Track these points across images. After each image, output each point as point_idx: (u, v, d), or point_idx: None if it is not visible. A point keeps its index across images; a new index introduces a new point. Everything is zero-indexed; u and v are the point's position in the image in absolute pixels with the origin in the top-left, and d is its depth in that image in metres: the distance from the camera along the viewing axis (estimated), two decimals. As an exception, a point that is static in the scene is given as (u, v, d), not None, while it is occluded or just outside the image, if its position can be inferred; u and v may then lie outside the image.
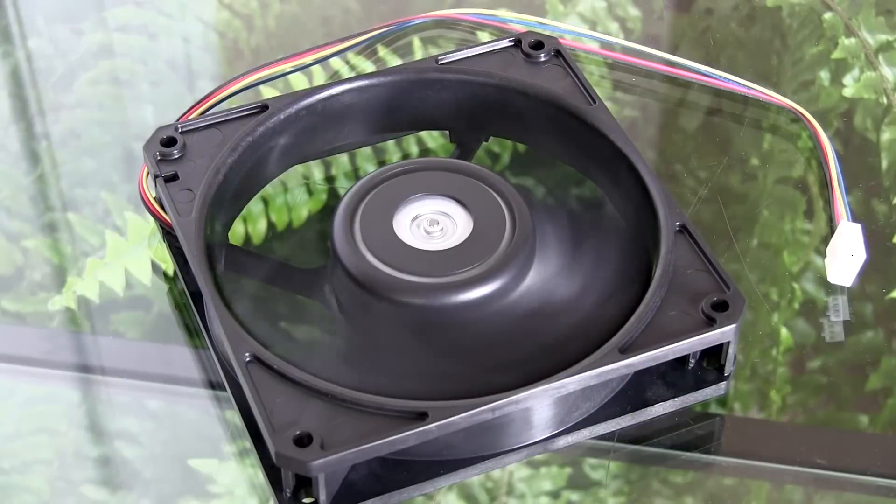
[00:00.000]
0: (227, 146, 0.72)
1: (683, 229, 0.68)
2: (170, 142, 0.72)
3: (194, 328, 0.71)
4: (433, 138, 0.80)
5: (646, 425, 0.67)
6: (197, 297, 0.70)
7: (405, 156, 0.79)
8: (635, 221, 0.70)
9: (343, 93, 0.75)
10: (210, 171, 0.71)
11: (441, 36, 0.85)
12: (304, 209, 0.76)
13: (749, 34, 0.88)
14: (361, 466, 0.64)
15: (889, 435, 0.69)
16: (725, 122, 0.81)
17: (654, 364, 0.64)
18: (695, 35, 0.88)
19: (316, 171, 0.78)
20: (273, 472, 0.63)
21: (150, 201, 0.73)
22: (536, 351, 0.66)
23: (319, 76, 0.83)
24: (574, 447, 0.67)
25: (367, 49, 0.84)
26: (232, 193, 0.72)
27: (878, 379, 0.71)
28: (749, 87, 0.81)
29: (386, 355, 0.66)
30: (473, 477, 0.66)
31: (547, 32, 0.80)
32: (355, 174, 0.78)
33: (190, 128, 0.73)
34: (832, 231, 0.74)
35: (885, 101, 0.83)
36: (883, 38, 0.86)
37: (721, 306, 0.65)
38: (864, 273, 0.73)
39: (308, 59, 0.82)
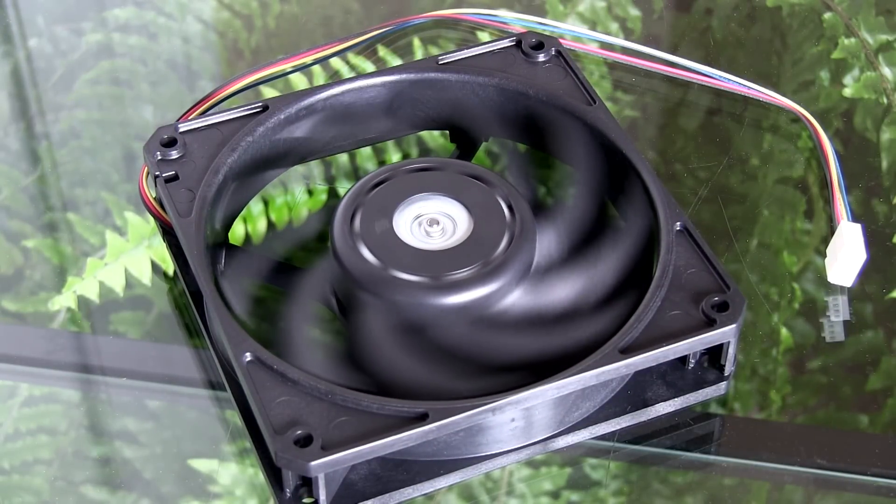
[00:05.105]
0: (227, 146, 0.72)
1: (683, 229, 0.68)
2: (170, 142, 0.72)
3: (194, 328, 0.71)
4: (433, 138, 0.80)
5: (646, 425, 0.67)
6: (197, 297, 0.70)
7: (405, 156, 0.79)
8: (635, 221, 0.70)
9: (343, 93, 0.75)
10: (210, 171, 0.71)
11: (441, 36, 0.85)
12: (304, 209, 0.76)
13: (749, 34, 0.88)
14: (361, 466, 0.64)
15: (889, 435, 0.69)
16: (725, 122, 0.81)
17: (654, 364, 0.64)
18: (695, 35, 0.88)
19: (316, 171, 0.78)
20: (273, 472, 0.63)
21: (150, 201, 0.73)
22: (536, 351, 0.66)
23: (319, 76, 0.83)
24: (574, 447, 0.67)
25: (367, 49, 0.84)
26: (232, 193, 0.72)
27: (878, 379, 0.71)
28: (749, 87, 0.81)
29: (386, 355, 0.66)
30: (473, 477, 0.66)
31: (547, 32, 0.80)
32: (355, 174, 0.78)
33: (190, 128, 0.73)
34: (832, 231, 0.74)
35: (885, 101, 0.83)
36: (883, 38, 0.86)
37: (721, 306, 0.65)
38: (864, 273, 0.73)
39: (308, 59, 0.82)
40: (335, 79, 0.81)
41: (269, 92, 0.81)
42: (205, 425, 0.69)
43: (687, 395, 0.67)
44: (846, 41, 0.86)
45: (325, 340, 0.68)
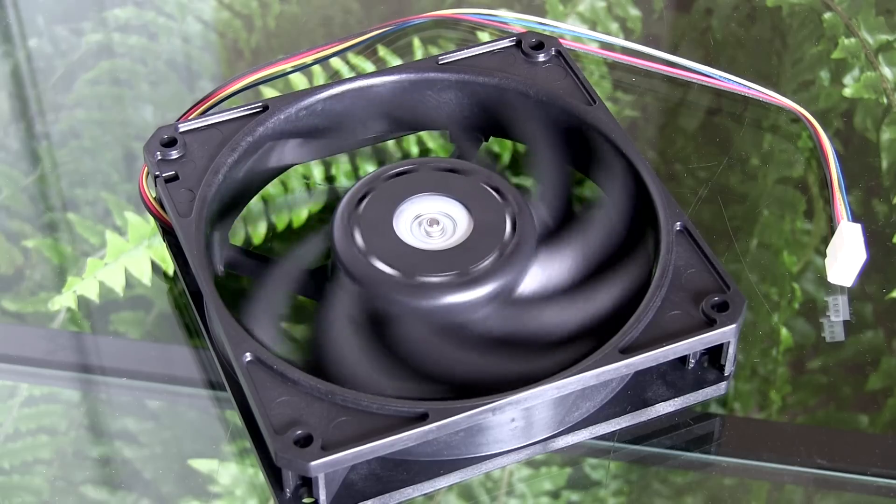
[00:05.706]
0: (227, 146, 0.72)
1: (683, 229, 0.68)
2: (170, 142, 0.72)
3: (194, 328, 0.71)
4: (433, 138, 0.80)
5: (646, 425, 0.67)
6: (197, 297, 0.70)
7: (405, 156, 0.79)
8: (635, 221, 0.70)
9: (343, 93, 0.75)
10: (210, 171, 0.71)
11: (441, 36, 0.85)
12: (304, 209, 0.76)
13: (749, 34, 0.88)
14: (361, 466, 0.64)
15: (889, 435, 0.69)
16: (725, 122, 0.81)
17: (654, 364, 0.64)
18: (695, 35, 0.88)
19: (316, 171, 0.78)
20: (273, 472, 0.63)
21: (150, 201, 0.73)
22: (536, 351, 0.66)
23: (319, 76, 0.83)
24: (574, 447, 0.67)
25: (367, 49, 0.84)
26: (232, 193, 0.72)
27: (878, 379, 0.71)
28: (749, 87, 0.81)
29: (386, 355, 0.66)
30: (473, 477, 0.66)
31: (547, 32, 0.80)
32: (355, 174, 0.78)
33: (190, 128, 0.73)
34: (832, 231, 0.74)
35: (885, 101, 0.83)
36: (883, 38, 0.86)
37: (721, 306, 0.65)
38: (864, 273, 0.73)
39: (308, 59, 0.82)
40: (335, 79, 0.81)
41: (269, 92, 0.81)
42: (205, 425, 0.69)
43: (687, 395, 0.67)
44: (846, 41, 0.86)
45: (325, 341, 0.68)
